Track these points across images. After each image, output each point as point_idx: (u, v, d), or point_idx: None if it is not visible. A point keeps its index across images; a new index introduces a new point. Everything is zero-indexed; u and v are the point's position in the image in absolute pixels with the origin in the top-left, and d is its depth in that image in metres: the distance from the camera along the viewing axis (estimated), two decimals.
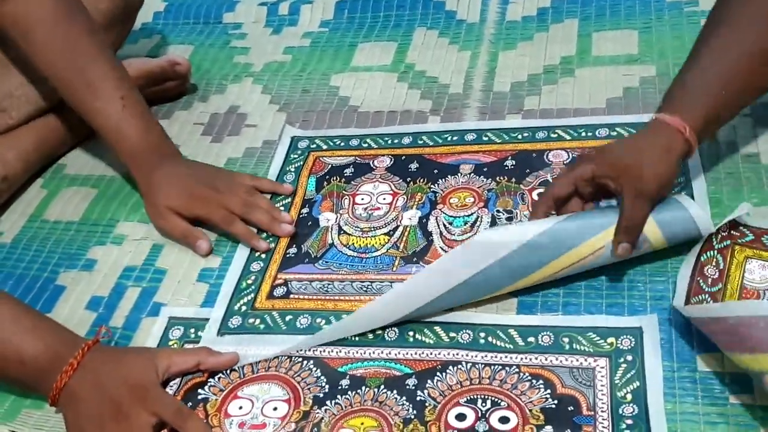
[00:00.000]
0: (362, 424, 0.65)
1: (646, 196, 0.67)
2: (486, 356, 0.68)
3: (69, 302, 0.82)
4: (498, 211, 0.80)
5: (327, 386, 0.69)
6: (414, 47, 1.07)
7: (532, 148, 0.86)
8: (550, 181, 0.81)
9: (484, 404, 0.64)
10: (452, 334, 0.70)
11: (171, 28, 1.23)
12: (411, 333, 0.71)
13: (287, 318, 0.75)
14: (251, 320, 0.76)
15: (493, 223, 0.79)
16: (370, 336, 0.72)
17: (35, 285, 0.85)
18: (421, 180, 0.86)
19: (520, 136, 0.88)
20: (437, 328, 0.71)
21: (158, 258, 0.85)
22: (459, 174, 0.86)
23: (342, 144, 0.94)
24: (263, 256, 0.82)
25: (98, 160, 1.00)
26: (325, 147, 0.94)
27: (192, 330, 0.76)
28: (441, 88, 0.99)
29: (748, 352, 0.56)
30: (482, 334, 0.70)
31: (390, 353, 0.70)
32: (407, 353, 0.70)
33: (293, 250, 0.82)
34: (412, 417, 0.65)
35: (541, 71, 0.98)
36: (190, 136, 1.01)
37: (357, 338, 0.72)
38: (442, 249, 0.78)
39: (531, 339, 0.68)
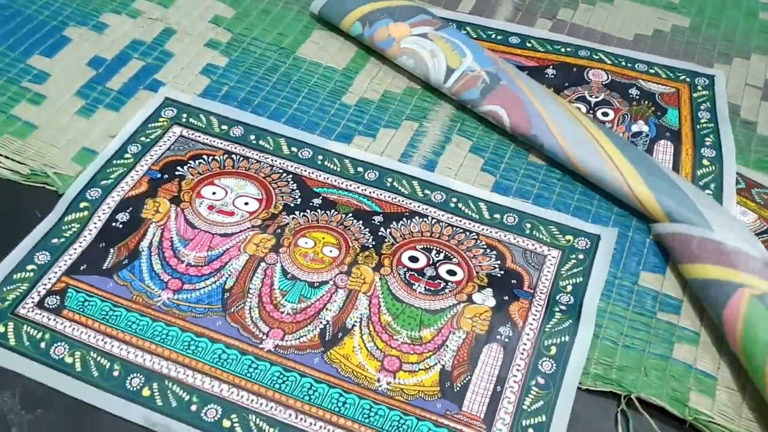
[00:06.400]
0: (323, 238, 0.69)
1: None
2: (452, 218, 0.72)
3: (72, 55, 0.83)
4: None
5: (300, 200, 0.72)
6: None
7: (574, 63, 0.87)
8: (587, 97, 0.83)
9: (437, 255, 0.68)
10: (426, 192, 0.74)
11: None
12: (390, 179, 0.74)
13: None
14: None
15: None
16: (351, 171, 0.75)
17: (42, 29, 0.85)
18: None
19: (563, 49, 0.89)
20: (415, 183, 0.74)
21: (169, 41, 0.86)
22: None
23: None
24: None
25: None
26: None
27: (184, 115, 0.78)
28: None
29: (689, 262, 0.67)
30: (454, 200, 0.73)
31: (365, 190, 0.73)
32: (381, 195, 0.73)
33: None
34: (370, 246, 0.68)
35: None
36: None
37: (338, 168, 0.74)
38: None
39: (497, 215, 0.72)
